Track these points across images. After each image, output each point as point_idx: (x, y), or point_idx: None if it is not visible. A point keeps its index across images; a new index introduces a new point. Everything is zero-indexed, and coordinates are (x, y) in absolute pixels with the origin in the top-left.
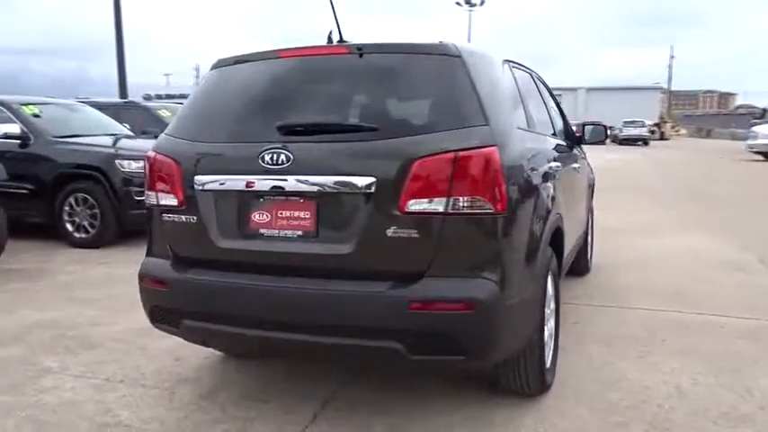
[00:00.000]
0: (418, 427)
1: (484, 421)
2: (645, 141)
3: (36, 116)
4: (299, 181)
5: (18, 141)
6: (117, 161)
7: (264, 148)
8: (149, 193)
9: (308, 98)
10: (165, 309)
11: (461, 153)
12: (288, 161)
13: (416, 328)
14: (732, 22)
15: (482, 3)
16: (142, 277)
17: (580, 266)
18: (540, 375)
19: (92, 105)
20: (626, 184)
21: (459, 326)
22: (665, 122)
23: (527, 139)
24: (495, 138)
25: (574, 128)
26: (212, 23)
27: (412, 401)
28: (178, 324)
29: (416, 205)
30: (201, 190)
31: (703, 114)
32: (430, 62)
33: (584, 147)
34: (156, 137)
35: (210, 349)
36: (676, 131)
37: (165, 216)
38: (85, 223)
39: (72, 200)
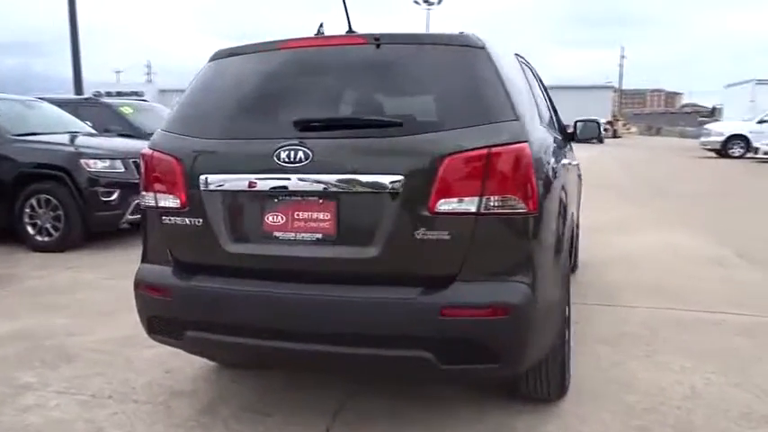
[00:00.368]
0: None
1: (508, 428)
2: (600, 139)
3: None
4: (318, 180)
5: None
6: (82, 160)
7: (280, 144)
8: (146, 194)
9: (323, 92)
10: (167, 319)
11: (494, 149)
12: (306, 158)
13: (448, 336)
14: (678, 25)
15: (439, 2)
16: (139, 285)
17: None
18: (562, 380)
19: (50, 102)
20: (593, 181)
21: (492, 332)
22: (618, 121)
23: (544, 134)
24: (526, 133)
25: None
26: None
27: (429, 411)
28: (181, 335)
29: (447, 205)
30: (208, 190)
31: (651, 113)
32: (453, 54)
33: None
34: (120, 135)
35: (203, 360)
36: (628, 129)
37: (165, 219)
38: (48, 226)
39: (34, 201)
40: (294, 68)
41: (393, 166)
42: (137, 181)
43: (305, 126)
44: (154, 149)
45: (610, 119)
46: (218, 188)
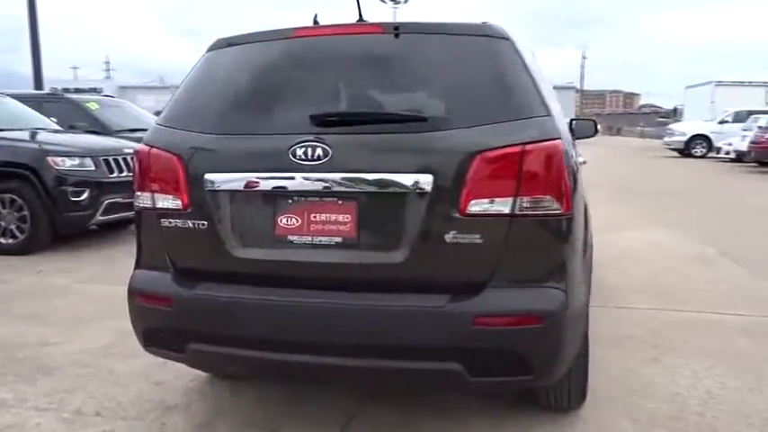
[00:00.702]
0: None
1: None
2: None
3: None
4: (338, 179)
5: None
6: (49, 158)
7: (296, 141)
8: (141, 194)
9: (339, 84)
10: (168, 330)
11: (529, 146)
12: (325, 156)
13: (480, 347)
14: (636, 26)
15: (406, 1)
16: (134, 293)
17: None
18: (583, 388)
19: (11, 97)
20: None
21: (528, 342)
22: None
23: (567, 130)
24: (558, 130)
25: None
26: (122, 15)
27: (444, 421)
28: (182, 348)
29: (479, 206)
30: (214, 190)
31: (611, 113)
32: (477, 44)
33: None
34: (86, 132)
35: (194, 370)
36: None
37: (165, 221)
38: (13, 227)
39: None
40: (307, 59)
41: (420, 164)
42: (108, 180)
43: (322, 121)
44: (151, 146)
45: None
46: (225, 188)
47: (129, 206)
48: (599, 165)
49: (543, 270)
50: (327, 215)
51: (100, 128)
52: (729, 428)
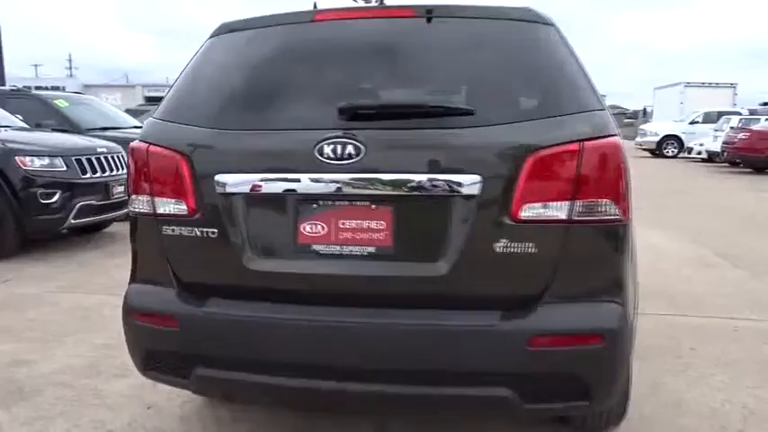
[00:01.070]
0: None
1: None
2: None
3: None
4: (371, 180)
5: None
6: (16, 158)
7: (324, 137)
8: (137, 197)
9: (369, 73)
10: (172, 354)
11: (588, 144)
12: (357, 154)
13: (535, 370)
14: (598, 27)
15: (380, 2)
16: (131, 312)
17: None
18: (624, 407)
19: None
20: None
21: (587, 363)
22: None
23: None
24: (613, 125)
25: None
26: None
27: None
28: (188, 374)
29: (533, 211)
30: (226, 193)
31: None
32: (521, 31)
33: None
34: (54, 130)
35: (189, 392)
36: None
37: (166, 228)
38: None
39: None
40: (330, 45)
41: (466, 163)
42: (81, 181)
43: (353, 114)
44: (149, 143)
45: None
46: (239, 191)
47: (103, 209)
48: None
49: (601, 282)
50: (359, 221)
51: (69, 126)
52: None
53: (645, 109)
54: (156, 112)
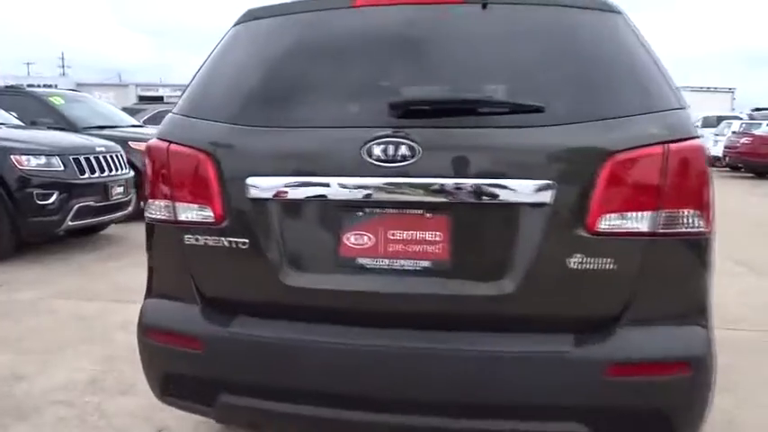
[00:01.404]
0: None
1: None
2: None
3: None
4: (428, 186)
5: None
6: (12, 156)
7: (374, 136)
8: (155, 202)
9: (420, 65)
10: (194, 379)
11: (673, 146)
12: (412, 156)
13: (612, 403)
14: None
15: None
16: (149, 331)
17: None
18: None
19: None
20: None
21: (671, 395)
22: None
23: None
24: (695, 126)
25: None
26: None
27: None
28: (212, 401)
29: (612, 222)
30: (259, 198)
31: None
32: (588, 19)
33: None
34: (50, 129)
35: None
36: None
37: (189, 237)
38: None
39: None
40: (374, 33)
41: (537, 166)
42: (79, 181)
43: (407, 111)
44: (169, 141)
45: None
46: (273, 196)
47: (102, 210)
48: None
49: (684, 303)
50: (411, 232)
51: (65, 124)
52: None
53: None
54: (177, 107)
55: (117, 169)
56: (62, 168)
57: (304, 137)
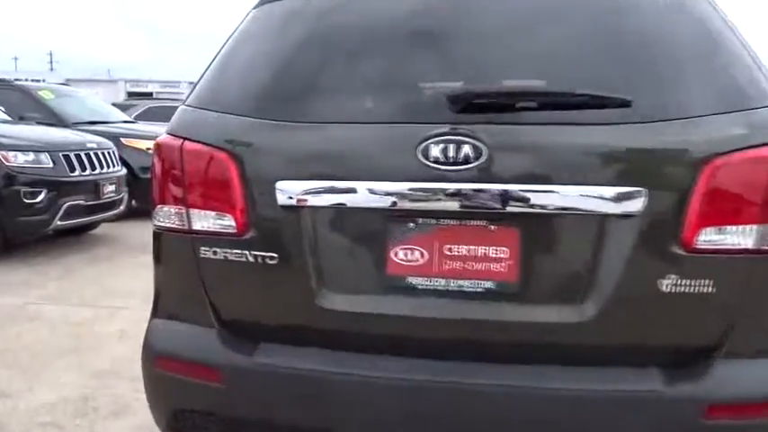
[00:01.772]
0: None
1: None
2: None
3: None
4: (494, 193)
5: None
6: None
7: (430, 133)
8: (164, 207)
9: (480, 52)
10: (210, 416)
11: None
12: (476, 157)
13: None
14: None
15: None
16: (158, 360)
17: None
18: None
19: None
20: None
21: None
22: None
23: None
24: None
25: None
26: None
27: None
28: None
29: (711, 236)
30: (289, 206)
31: None
32: (675, 2)
33: None
34: (39, 124)
35: None
36: None
37: (206, 250)
38: None
39: None
40: (424, 14)
41: (624, 170)
42: (68, 179)
43: (469, 104)
44: (183, 137)
45: None
46: (309, 203)
47: (93, 209)
48: None
49: None
50: (472, 247)
51: (55, 120)
52: None
53: None
54: (190, 98)
55: (108, 166)
56: (51, 165)
57: (344, 134)
